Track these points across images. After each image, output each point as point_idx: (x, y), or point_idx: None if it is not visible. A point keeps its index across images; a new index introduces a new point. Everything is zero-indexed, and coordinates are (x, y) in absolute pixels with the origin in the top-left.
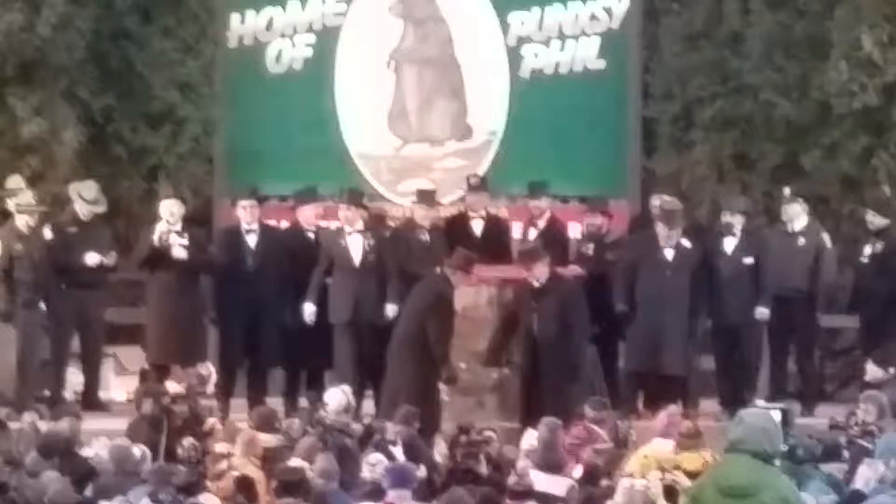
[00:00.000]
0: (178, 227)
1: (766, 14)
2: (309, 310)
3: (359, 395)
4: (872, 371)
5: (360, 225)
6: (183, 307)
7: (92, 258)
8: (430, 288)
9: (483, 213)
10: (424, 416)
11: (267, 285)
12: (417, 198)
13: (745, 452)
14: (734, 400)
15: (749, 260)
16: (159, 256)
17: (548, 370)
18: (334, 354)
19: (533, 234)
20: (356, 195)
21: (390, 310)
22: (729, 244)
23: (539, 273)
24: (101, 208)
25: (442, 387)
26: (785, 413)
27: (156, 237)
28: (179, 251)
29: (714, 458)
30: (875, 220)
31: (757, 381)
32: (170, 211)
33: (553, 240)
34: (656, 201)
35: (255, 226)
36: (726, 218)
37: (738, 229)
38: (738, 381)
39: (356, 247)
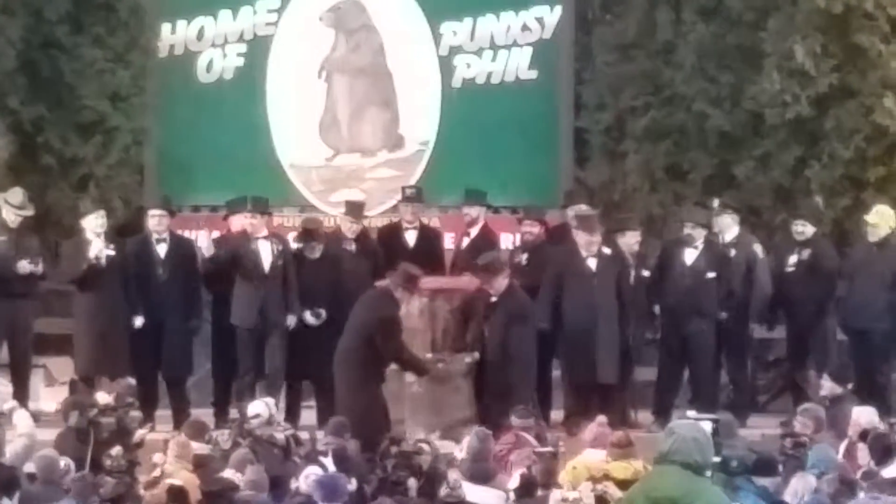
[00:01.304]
0: (103, 238)
1: (698, 24)
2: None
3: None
4: (829, 387)
5: (264, 232)
6: (111, 319)
7: (23, 267)
8: (375, 310)
9: (416, 223)
10: (369, 428)
11: (177, 295)
12: (346, 209)
13: (675, 464)
14: (668, 411)
15: (712, 274)
16: (96, 273)
17: (492, 381)
18: (238, 360)
19: (465, 242)
20: (261, 203)
21: (290, 320)
22: (689, 256)
23: (499, 286)
24: (28, 212)
25: (412, 378)
26: (718, 424)
27: (92, 254)
28: (111, 258)
29: (645, 467)
30: (805, 229)
31: (715, 392)
32: (97, 224)
33: (485, 249)
34: (571, 212)
35: (166, 235)
36: (688, 230)
37: (699, 242)
38: (694, 392)
39: (265, 253)
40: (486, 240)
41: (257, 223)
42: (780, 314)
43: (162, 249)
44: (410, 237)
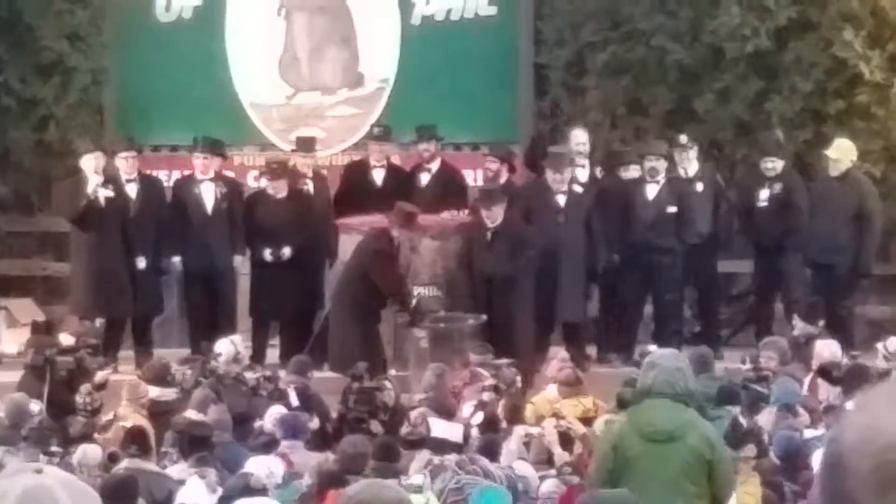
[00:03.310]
0: (102, 178)
1: None
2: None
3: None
4: (801, 327)
5: (211, 174)
6: (112, 260)
7: None
8: (367, 245)
9: (384, 162)
10: (368, 362)
11: (147, 235)
12: (297, 145)
13: (663, 396)
14: (630, 346)
15: (673, 209)
16: (93, 211)
17: (500, 311)
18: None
19: (426, 178)
20: (214, 143)
21: (237, 260)
22: (651, 190)
23: (496, 215)
24: None
25: (420, 333)
26: (692, 357)
27: (90, 191)
28: (108, 199)
29: (595, 403)
30: (775, 164)
31: (679, 327)
32: (95, 164)
33: (450, 182)
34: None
35: (135, 175)
36: (651, 163)
37: (661, 176)
38: (657, 327)
39: (209, 195)
40: (449, 174)
41: (208, 163)
42: (747, 248)
43: (132, 189)
44: (378, 175)
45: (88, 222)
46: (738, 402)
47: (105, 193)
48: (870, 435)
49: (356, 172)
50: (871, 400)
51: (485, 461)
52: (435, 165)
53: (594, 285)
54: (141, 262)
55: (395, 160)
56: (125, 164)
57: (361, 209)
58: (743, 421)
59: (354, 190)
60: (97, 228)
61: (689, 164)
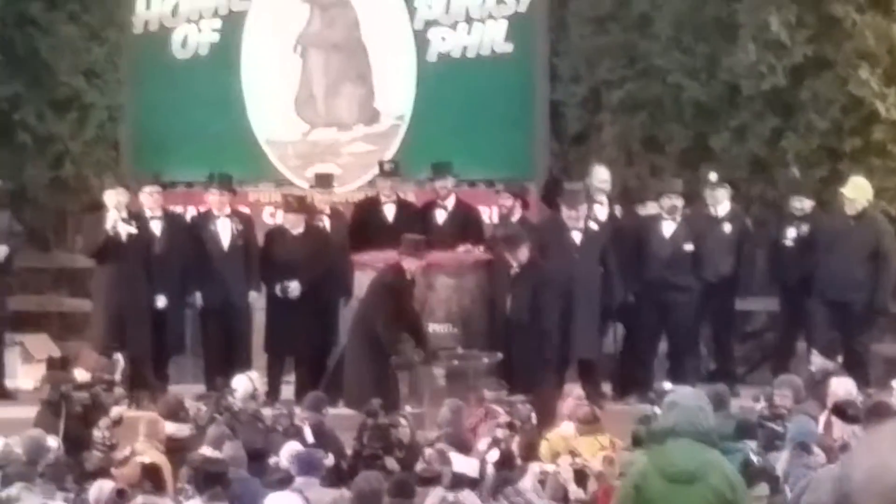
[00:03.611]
0: (125, 214)
1: None
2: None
3: (275, 379)
4: (819, 362)
5: (227, 209)
6: (131, 296)
7: (1, 250)
8: (377, 279)
9: (394, 197)
10: (383, 399)
11: (172, 272)
12: (315, 182)
13: (685, 436)
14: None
15: (689, 247)
16: (113, 246)
17: (518, 349)
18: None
19: (442, 215)
20: (226, 180)
21: (252, 296)
22: (668, 228)
23: (521, 257)
24: None
25: (438, 372)
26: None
27: (109, 227)
28: (130, 236)
29: (612, 441)
30: (803, 204)
31: (696, 365)
32: (117, 200)
33: (466, 219)
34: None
35: (160, 212)
36: (671, 200)
37: (678, 214)
38: (671, 364)
39: (225, 231)
40: (464, 211)
41: (223, 199)
42: (763, 286)
43: (157, 226)
44: (389, 211)
45: (108, 258)
46: (755, 436)
47: (127, 229)
48: (878, 473)
49: (366, 210)
50: (878, 440)
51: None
52: (451, 202)
53: (611, 322)
54: (161, 301)
55: (410, 197)
56: (150, 200)
57: (374, 246)
58: (755, 458)
59: (366, 227)
60: (118, 264)
61: (720, 203)
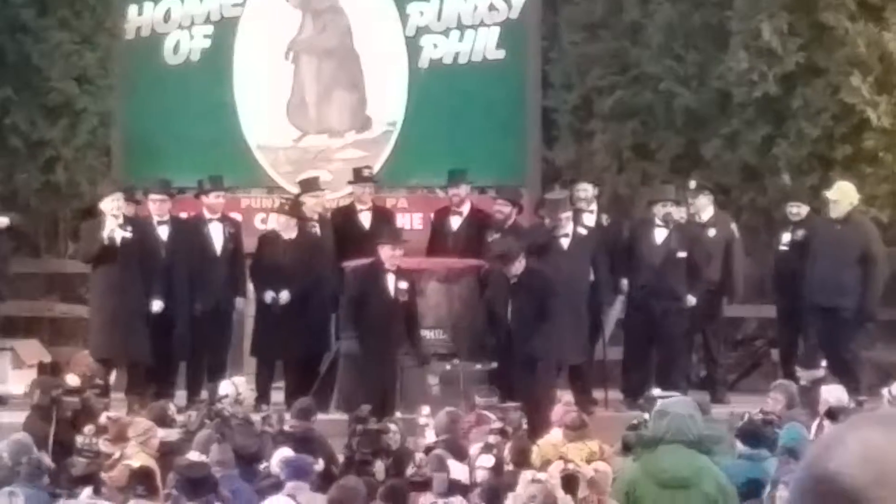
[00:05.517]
0: (122, 220)
1: (665, 4)
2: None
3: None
4: (806, 375)
5: (219, 214)
6: (127, 301)
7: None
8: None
9: (370, 204)
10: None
11: (180, 277)
12: (301, 187)
13: (677, 443)
14: (636, 391)
15: (682, 254)
16: (110, 252)
17: (513, 355)
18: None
19: (457, 222)
20: (218, 180)
21: (240, 302)
22: (659, 235)
23: (517, 269)
24: None
25: (432, 379)
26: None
27: (105, 234)
28: (126, 240)
29: (601, 447)
30: (800, 210)
31: (687, 373)
32: (115, 206)
33: (481, 226)
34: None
35: (167, 218)
36: (666, 208)
37: (672, 222)
38: (661, 371)
39: (217, 235)
40: (479, 217)
41: (216, 203)
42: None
43: (164, 232)
44: (365, 218)
45: (104, 263)
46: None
47: (123, 235)
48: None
49: (343, 217)
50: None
51: None
52: (465, 209)
53: (601, 329)
54: (156, 305)
55: (402, 203)
56: (156, 207)
57: (351, 253)
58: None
59: (343, 234)
60: (114, 269)
61: (703, 209)
